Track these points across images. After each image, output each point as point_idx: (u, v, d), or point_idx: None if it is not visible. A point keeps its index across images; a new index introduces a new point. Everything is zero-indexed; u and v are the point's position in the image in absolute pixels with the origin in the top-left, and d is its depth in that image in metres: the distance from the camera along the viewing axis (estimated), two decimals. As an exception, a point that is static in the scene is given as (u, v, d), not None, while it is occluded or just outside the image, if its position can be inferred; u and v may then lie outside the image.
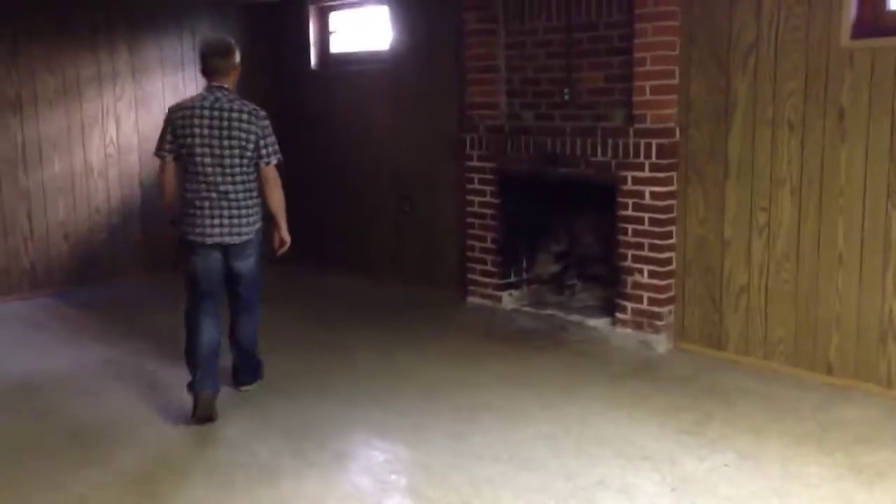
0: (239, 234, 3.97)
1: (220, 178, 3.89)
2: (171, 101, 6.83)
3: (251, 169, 3.96)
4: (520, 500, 3.12)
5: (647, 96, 4.78)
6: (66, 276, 6.54)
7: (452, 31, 5.88)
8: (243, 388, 4.43)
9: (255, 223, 4.03)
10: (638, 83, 4.82)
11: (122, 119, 6.70)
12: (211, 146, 3.87)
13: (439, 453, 3.55)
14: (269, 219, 4.10)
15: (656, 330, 4.87)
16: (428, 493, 3.21)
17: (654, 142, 4.75)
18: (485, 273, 5.82)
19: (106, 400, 4.27)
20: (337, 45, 7.14)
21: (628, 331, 4.99)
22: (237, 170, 3.91)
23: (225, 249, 4.00)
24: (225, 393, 4.26)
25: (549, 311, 5.48)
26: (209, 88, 3.96)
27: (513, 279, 5.80)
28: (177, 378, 4.49)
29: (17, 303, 6.19)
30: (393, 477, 3.39)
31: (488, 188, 5.73)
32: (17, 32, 6.11)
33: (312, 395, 4.28)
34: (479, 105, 5.73)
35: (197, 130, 3.87)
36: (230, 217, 3.94)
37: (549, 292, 5.74)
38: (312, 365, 4.78)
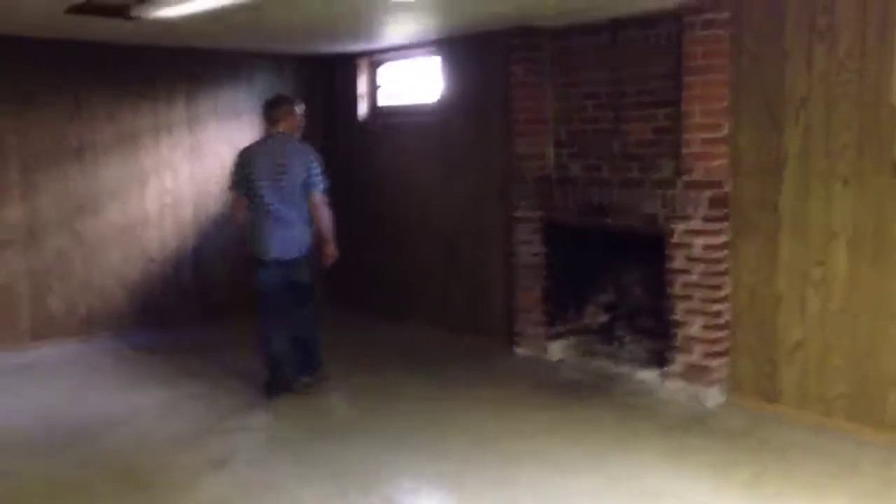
0: (296, 250, 4.89)
1: (277, 206, 4.82)
2: (224, 151, 7.03)
3: (303, 197, 4.86)
4: (571, 555, 3.07)
5: (697, 148, 4.78)
6: (120, 322, 6.66)
7: (501, 83, 5.96)
8: (306, 383, 5.09)
9: (305, 242, 4.94)
10: (687, 135, 4.82)
11: (177, 169, 6.88)
12: (269, 179, 4.81)
13: (484, 503, 3.52)
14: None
15: (708, 383, 4.79)
16: (477, 546, 3.18)
17: (704, 193, 4.73)
18: (532, 323, 5.81)
19: (161, 444, 4.31)
20: (386, 98, 7.28)
21: (679, 383, 4.92)
22: (291, 198, 4.82)
23: (284, 264, 4.88)
24: (266, 438, 4.29)
25: (597, 363, 5.43)
26: (269, 134, 5.01)
27: (560, 329, 5.77)
28: (231, 420, 4.54)
29: (75, 346, 6.32)
30: (441, 528, 3.36)
31: (535, 238, 5.74)
32: (81, 83, 6.34)
33: (360, 439, 4.28)
34: (527, 156, 5.78)
35: (257, 168, 4.83)
36: (284, 238, 4.86)
37: (597, 343, 5.69)
38: (360, 410, 4.79)
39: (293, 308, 5.00)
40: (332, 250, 4.97)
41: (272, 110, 4.99)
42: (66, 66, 6.28)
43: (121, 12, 4.74)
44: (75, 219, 6.43)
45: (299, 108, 5.05)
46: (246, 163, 4.90)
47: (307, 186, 4.85)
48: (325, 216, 4.91)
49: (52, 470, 3.96)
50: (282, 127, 4.96)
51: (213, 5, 4.35)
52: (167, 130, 6.81)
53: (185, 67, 6.84)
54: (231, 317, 7.03)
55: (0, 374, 5.65)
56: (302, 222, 4.91)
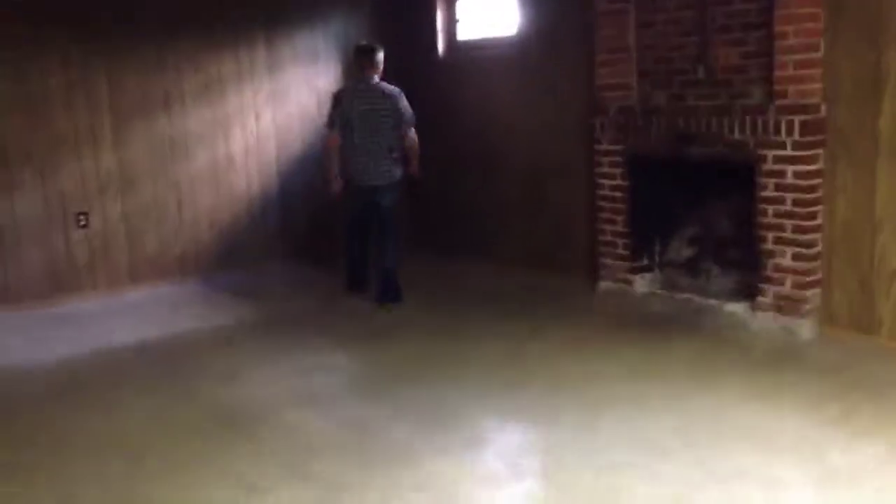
0: (383, 178, 5.70)
1: (370, 140, 5.63)
2: (304, 94, 7.10)
3: (391, 133, 5.69)
4: (651, 488, 3.07)
5: (790, 71, 4.56)
6: (211, 262, 6.89)
7: (581, 13, 5.79)
8: (384, 307, 5.72)
9: (395, 173, 5.77)
10: (779, 57, 4.60)
11: (260, 113, 6.98)
12: (363, 118, 5.61)
13: (570, 441, 3.53)
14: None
15: (800, 315, 4.65)
16: (559, 478, 3.21)
17: (796, 118, 4.53)
18: (616, 257, 5.72)
19: (249, 382, 4.47)
20: (464, 32, 7.17)
21: (770, 315, 4.79)
22: (381, 134, 5.64)
23: (374, 189, 5.69)
24: (357, 381, 4.40)
25: (684, 296, 5.33)
26: (361, 78, 5.76)
27: (645, 263, 5.68)
28: (314, 361, 4.68)
29: (169, 287, 6.58)
30: (525, 462, 3.40)
31: (618, 171, 5.62)
32: (164, 36, 6.46)
33: (443, 381, 4.33)
34: (610, 86, 5.62)
35: (353, 108, 5.62)
36: (377, 167, 5.67)
37: (683, 276, 5.57)
38: (443, 352, 4.84)
39: (378, 233, 5.83)
40: (416, 171, 5.90)
41: (362, 57, 5.75)
42: (150, 17, 6.40)
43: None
44: (166, 164, 6.62)
45: (381, 55, 5.75)
46: (343, 104, 5.67)
47: (399, 123, 5.69)
48: (414, 143, 5.80)
49: (155, 404, 4.17)
50: (369, 72, 5.70)
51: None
52: (249, 76, 6.90)
53: (262, 13, 6.87)
54: (314, 256, 7.18)
55: (100, 314, 5.94)
56: (390, 155, 5.72)
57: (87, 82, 6.22)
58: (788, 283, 4.68)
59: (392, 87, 5.75)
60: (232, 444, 3.65)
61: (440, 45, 7.29)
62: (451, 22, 7.25)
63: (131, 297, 6.37)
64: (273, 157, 7.11)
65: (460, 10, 7.17)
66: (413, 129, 5.78)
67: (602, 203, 5.77)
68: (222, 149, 6.85)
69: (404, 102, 5.72)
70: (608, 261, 5.78)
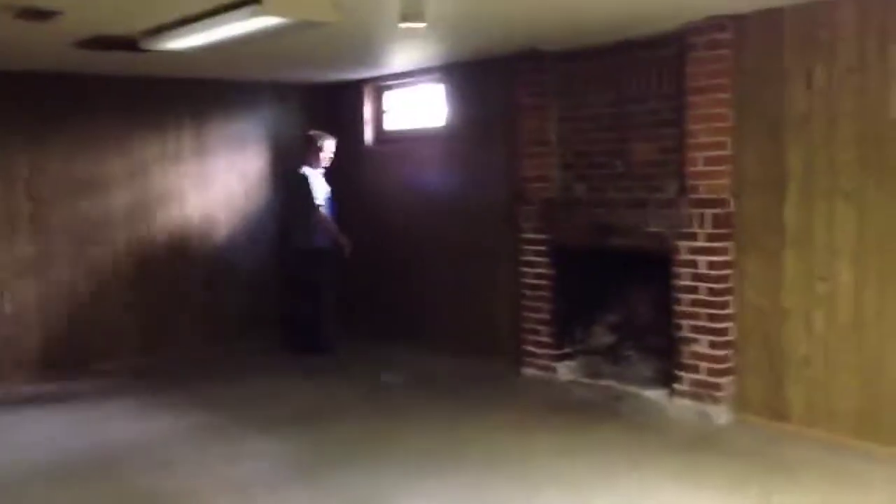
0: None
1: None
2: (232, 179, 7.11)
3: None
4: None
5: (700, 167, 4.83)
6: (132, 348, 6.70)
7: (506, 106, 6.03)
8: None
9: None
10: (690, 154, 4.87)
11: (187, 197, 6.94)
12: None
13: (499, 526, 3.53)
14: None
15: (715, 401, 4.80)
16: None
17: (708, 212, 4.77)
18: (540, 344, 5.83)
19: (173, 470, 4.33)
20: (392, 123, 7.36)
21: (687, 402, 4.93)
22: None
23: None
24: (284, 465, 4.32)
25: (605, 382, 5.45)
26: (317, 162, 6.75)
27: (568, 350, 5.79)
28: (243, 447, 4.58)
29: (87, 375, 6.36)
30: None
31: (542, 259, 5.78)
32: (91, 115, 6.43)
33: (375, 465, 4.29)
34: (533, 178, 5.83)
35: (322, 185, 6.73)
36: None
37: (605, 363, 5.70)
38: (372, 434, 4.80)
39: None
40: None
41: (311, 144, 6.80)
42: (76, 98, 6.37)
43: (129, 45, 4.82)
44: (87, 249, 6.48)
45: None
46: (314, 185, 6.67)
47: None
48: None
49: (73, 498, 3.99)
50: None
51: (217, 38, 4.41)
52: (175, 160, 6.89)
53: (192, 97, 6.93)
54: (238, 342, 7.09)
55: (15, 404, 5.69)
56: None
57: (6, 164, 6.10)
58: (704, 369, 4.84)
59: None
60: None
61: (368, 135, 7.45)
62: (378, 113, 7.43)
63: (48, 386, 6.12)
64: (200, 242, 7.04)
65: (389, 101, 7.37)
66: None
67: (526, 291, 5.90)
68: (145, 232, 6.76)
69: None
70: (532, 348, 5.87)
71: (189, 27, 4.30)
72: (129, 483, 4.16)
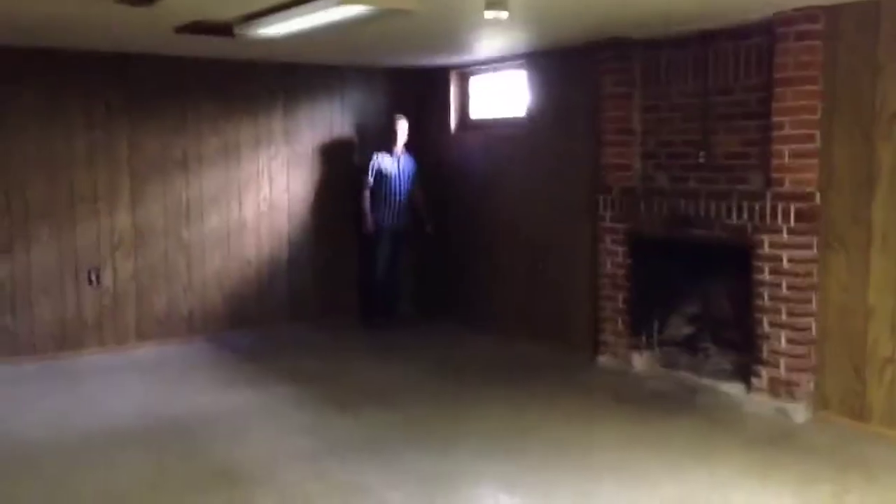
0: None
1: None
2: (318, 161, 7.30)
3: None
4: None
5: (786, 160, 4.74)
6: (219, 323, 7.00)
7: (589, 95, 6.02)
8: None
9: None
10: (776, 147, 4.79)
11: (274, 178, 7.19)
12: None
13: (566, 511, 3.59)
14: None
15: (794, 398, 4.73)
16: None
17: (792, 206, 4.69)
18: (616, 333, 5.83)
19: (250, 441, 4.54)
20: (476, 110, 7.42)
21: (764, 397, 4.87)
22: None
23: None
24: (357, 442, 4.47)
25: (680, 374, 5.42)
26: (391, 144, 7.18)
27: (644, 340, 5.77)
28: (318, 421, 4.74)
29: (176, 346, 6.68)
30: (519, 531, 3.44)
31: (620, 249, 5.77)
32: (185, 99, 6.71)
33: (443, 446, 4.40)
34: (614, 167, 5.81)
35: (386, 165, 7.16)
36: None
37: (681, 355, 5.67)
38: (445, 417, 4.91)
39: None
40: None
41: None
42: (174, 80, 6.65)
43: (225, 31, 5.01)
44: (180, 224, 6.79)
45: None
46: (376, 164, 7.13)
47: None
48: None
49: (153, 462, 4.24)
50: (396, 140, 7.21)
51: (305, 26, 4.56)
52: (266, 141, 7.12)
53: (283, 82, 7.14)
54: (319, 319, 7.30)
55: (105, 371, 6.03)
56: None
57: (109, 143, 6.43)
58: (783, 366, 4.78)
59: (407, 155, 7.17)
60: (230, 502, 3.71)
61: (453, 121, 7.53)
62: (463, 99, 7.50)
63: (138, 355, 6.45)
64: (285, 222, 7.28)
65: (474, 88, 7.43)
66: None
67: (604, 280, 5.90)
68: (235, 212, 7.03)
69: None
70: (608, 336, 5.88)
71: (279, 15, 4.45)
72: (207, 450, 4.37)
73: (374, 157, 7.12)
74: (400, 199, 7.17)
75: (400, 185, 7.15)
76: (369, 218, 7.10)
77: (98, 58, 6.28)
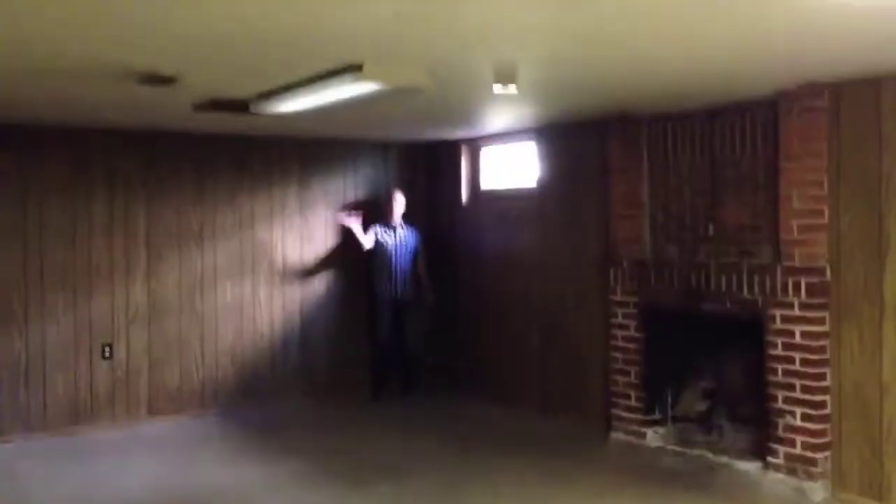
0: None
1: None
2: (330, 233, 7.37)
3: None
4: None
5: (795, 234, 4.74)
6: (231, 397, 6.97)
7: (597, 168, 6.08)
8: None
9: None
10: (785, 220, 4.79)
11: (288, 250, 7.25)
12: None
13: None
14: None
15: (811, 477, 4.63)
16: None
17: (803, 280, 4.67)
18: (629, 409, 5.76)
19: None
20: (487, 181, 7.50)
21: (781, 476, 4.76)
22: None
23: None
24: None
25: (696, 452, 5.32)
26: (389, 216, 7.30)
27: (658, 416, 5.69)
28: (327, 495, 4.68)
29: (187, 420, 6.64)
30: None
31: (632, 322, 5.74)
32: (202, 173, 6.84)
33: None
34: (624, 240, 5.83)
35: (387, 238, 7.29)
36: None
37: (696, 431, 5.57)
38: (455, 491, 4.84)
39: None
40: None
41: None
42: (192, 154, 6.79)
43: (241, 108, 5.14)
44: (195, 296, 6.83)
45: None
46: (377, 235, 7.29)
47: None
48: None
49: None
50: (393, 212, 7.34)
51: (321, 102, 4.66)
52: (280, 214, 7.21)
53: (297, 155, 7.26)
54: (331, 392, 7.26)
55: (118, 447, 6.00)
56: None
57: (127, 216, 6.54)
58: (799, 443, 4.68)
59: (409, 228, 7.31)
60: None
61: (464, 194, 7.61)
62: (474, 171, 7.60)
63: (150, 430, 6.41)
64: (298, 294, 7.31)
65: (484, 160, 7.53)
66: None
67: (616, 353, 5.85)
68: (249, 285, 7.07)
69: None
70: (621, 412, 5.80)
71: (295, 91, 4.57)
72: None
73: (372, 228, 7.27)
74: (399, 271, 7.25)
75: (399, 257, 7.24)
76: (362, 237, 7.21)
77: (118, 133, 6.44)
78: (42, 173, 6.24)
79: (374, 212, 7.38)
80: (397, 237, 7.26)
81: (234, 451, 5.80)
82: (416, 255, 7.33)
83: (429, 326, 7.53)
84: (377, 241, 7.22)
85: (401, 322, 7.29)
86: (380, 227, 7.27)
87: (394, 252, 7.22)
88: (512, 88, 4.18)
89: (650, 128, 5.71)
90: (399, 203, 7.29)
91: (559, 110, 5.74)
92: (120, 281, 6.53)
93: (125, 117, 5.83)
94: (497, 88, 4.18)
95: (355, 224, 7.18)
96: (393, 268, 7.21)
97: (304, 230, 7.34)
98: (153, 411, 6.63)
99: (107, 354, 6.45)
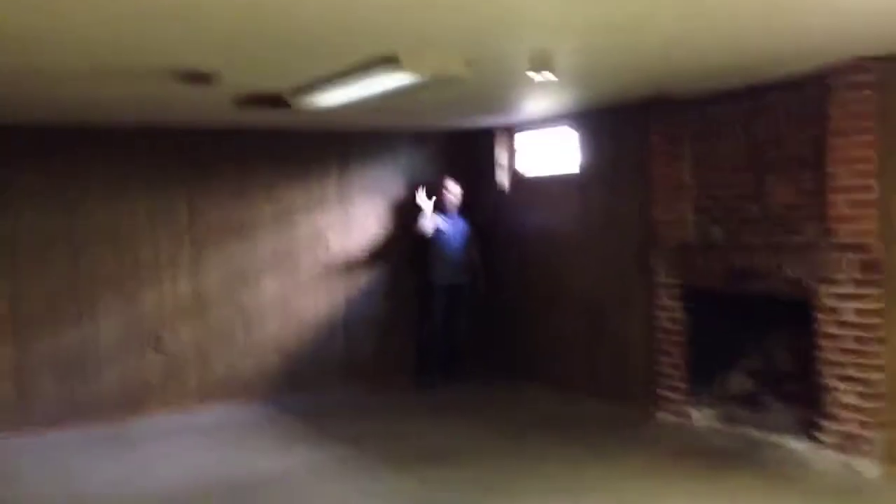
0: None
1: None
2: (371, 224, 7.41)
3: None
4: None
5: (843, 210, 4.68)
6: (276, 385, 7.07)
7: (639, 151, 6.04)
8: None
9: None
10: (833, 197, 4.73)
11: (330, 241, 7.31)
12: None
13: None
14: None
15: (863, 454, 4.59)
16: None
17: (852, 257, 4.61)
18: (674, 389, 5.74)
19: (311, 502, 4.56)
20: (527, 167, 7.49)
21: (832, 453, 4.73)
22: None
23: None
24: (419, 499, 4.45)
25: (743, 430, 5.30)
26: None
27: (704, 396, 5.67)
28: (377, 485, 4.74)
29: (235, 408, 6.75)
30: None
31: (676, 304, 5.71)
32: (243, 167, 6.91)
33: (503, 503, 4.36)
34: (667, 222, 5.79)
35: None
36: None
37: (742, 410, 5.55)
38: (505, 476, 4.87)
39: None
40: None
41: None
42: (233, 150, 6.86)
43: (281, 102, 5.18)
44: (238, 289, 6.92)
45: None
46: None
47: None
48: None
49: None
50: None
51: (359, 94, 4.68)
52: (320, 206, 7.26)
53: (336, 148, 7.30)
54: (377, 380, 7.33)
55: (168, 434, 6.12)
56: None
57: (170, 213, 6.63)
58: (851, 421, 4.65)
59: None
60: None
61: (505, 180, 7.60)
62: (512, 157, 7.59)
63: (199, 417, 6.54)
64: (341, 284, 7.37)
65: (523, 146, 7.51)
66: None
67: (660, 335, 5.83)
68: (292, 276, 7.14)
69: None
70: (666, 392, 5.79)
71: (333, 84, 4.59)
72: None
73: (434, 215, 7.36)
74: (456, 258, 7.37)
75: (455, 244, 7.36)
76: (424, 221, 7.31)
77: (160, 131, 6.52)
78: (88, 175, 6.35)
79: (432, 200, 7.42)
80: (453, 226, 7.39)
81: (280, 437, 5.88)
82: (468, 242, 7.45)
83: (480, 314, 7.65)
84: (437, 229, 7.32)
85: (454, 308, 7.41)
86: (439, 214, 7.39)
87: (451, 240, 7.34)
88: (550, 75, 4.16)
89: (691, 109, 5.66)
90: (454, 191, 7.43)
91: (598, 95, 5.71)
92: (166, 277, 6.63)
93: (166, 115, 5.90)
94: (535, 76, 4.16)
95: (428, 206, 7.29)
96: (450, 255, 7.35)
97: (346, 220, 7.39)
98: (202, 399, 6.75)
99: (156, 346, 6.58)
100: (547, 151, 7.27)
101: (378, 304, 7.50)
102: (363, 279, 7.47)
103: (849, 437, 4.66)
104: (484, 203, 7.74)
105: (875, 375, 4.58)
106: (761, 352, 5.63)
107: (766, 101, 5.18)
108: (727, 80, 5.12)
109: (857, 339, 4.61)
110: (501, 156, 7.61)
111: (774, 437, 5.10)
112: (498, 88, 5.23)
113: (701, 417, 5.61)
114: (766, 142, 5.21)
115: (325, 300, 7.31)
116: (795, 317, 5.01)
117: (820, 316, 4.78)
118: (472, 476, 4.87)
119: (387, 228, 7.54)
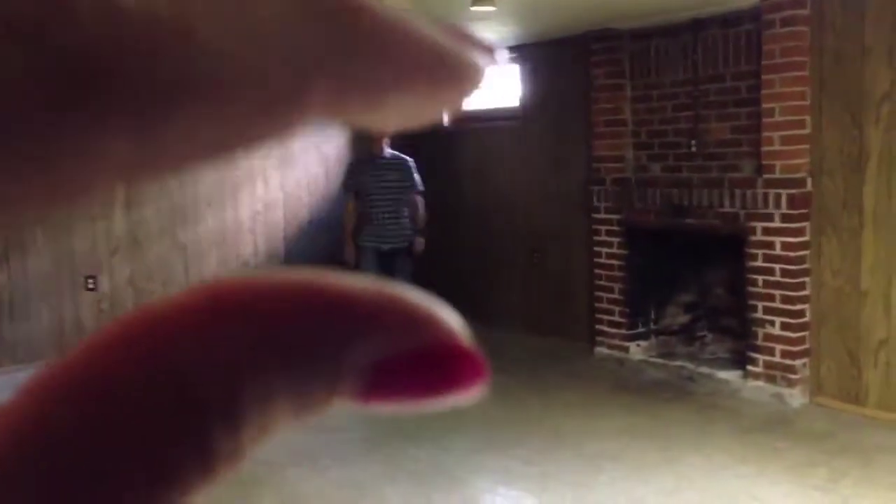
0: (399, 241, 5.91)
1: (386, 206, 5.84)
2: (312, 161, 7.30)
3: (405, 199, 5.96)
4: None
5: (777, 146, 4.75)
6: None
7: (580, 86, 6.02)
8: None
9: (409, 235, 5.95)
10: (766, 133, 4.79)
11: (269, 178, 7.19)
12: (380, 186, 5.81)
13: (568, 501, 3.61)
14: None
15: (790, 383, 4.75)
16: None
17: (784, 192, 4.70)
18: (612, 324, 5.84)
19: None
20: (469, 103, 7.41)
21: (760, 384, 4.88)
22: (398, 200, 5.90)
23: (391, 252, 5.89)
24: (357, 438, 4.48)
25: (677, 363, 5.43)
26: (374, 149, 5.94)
27: (641, 330, 5.79)
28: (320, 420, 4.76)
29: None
30: (517, 523, 3.47)
31: (615, 240, 5.78)
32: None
33: (442, 438, 4.41)
34: (607, 158, 5.82)
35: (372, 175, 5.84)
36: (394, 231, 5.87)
37: (678, 343, 5.69)
38: (443, 411, 4.91)
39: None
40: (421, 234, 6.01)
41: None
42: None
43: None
44: (176, 227, 6.80)
45: None
46: (358, 174, 5.93)
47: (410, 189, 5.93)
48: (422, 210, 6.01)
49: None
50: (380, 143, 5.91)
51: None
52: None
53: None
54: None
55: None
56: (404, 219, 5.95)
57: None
58: (778, 352, 4.79)
59: (402, 156, 5.91)
60: (230, 502, 3.72)
61: (445, 115, 7.52)
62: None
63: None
64: (281, 221, 7.29)
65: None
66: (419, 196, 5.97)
67: (599, 271, 5.91)
68: (230, 213, 7.04)
69: (414, 171, 5.92)
70: (604, 327, 5.89)
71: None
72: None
73: (352, 168, 6.06)
74: (387, 214, 5.85)
75: (386, 197, 5.84)
76: (349, 245, 5.93)
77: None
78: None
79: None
80: (384, 173, 5.86)
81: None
82: (410, 189, 5.93)
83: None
84: (359, 184, 5.87)
85: (389, 273, 5.73)
86: (361, 164, 6.02)
87: (380, 193, 5.82)
88: (489, 7, 4.10)
89: (632, 44, 5.64)
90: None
91: (539, 28, 5.66)
92: (99, 213, 6.47)
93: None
94: (475, 7, 4.11)
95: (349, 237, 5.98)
96: (380, 212, 5.82)
97: (285, 156, 7.26)
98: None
99: (90, 286, 6.45)
100: (490, 85, 7.19)
101: (321, 237, 7.45)
102: (303, 216, 7.39)
103: (777, 367, 4.80)
104: (424, 139, 7.67)
105: (800, 307, 4.72)
106: (698, 287, 5.75)
107: (706, 36, 5.19)
108: (669, 14, 5.10)
109: (786, 272, 4.73)
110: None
111: (708, 370, 5.24)
112: (436, 20, 5.13)
113: (638, 351, 5.74)
114: (706, 77, 5.23)
115: (265, 238, 7.23)
116: (732, 252, 5.11)
117: (752, 250, 4.88)
118: (406, 416, 4.91)
119: (328, 165, 7.45)
